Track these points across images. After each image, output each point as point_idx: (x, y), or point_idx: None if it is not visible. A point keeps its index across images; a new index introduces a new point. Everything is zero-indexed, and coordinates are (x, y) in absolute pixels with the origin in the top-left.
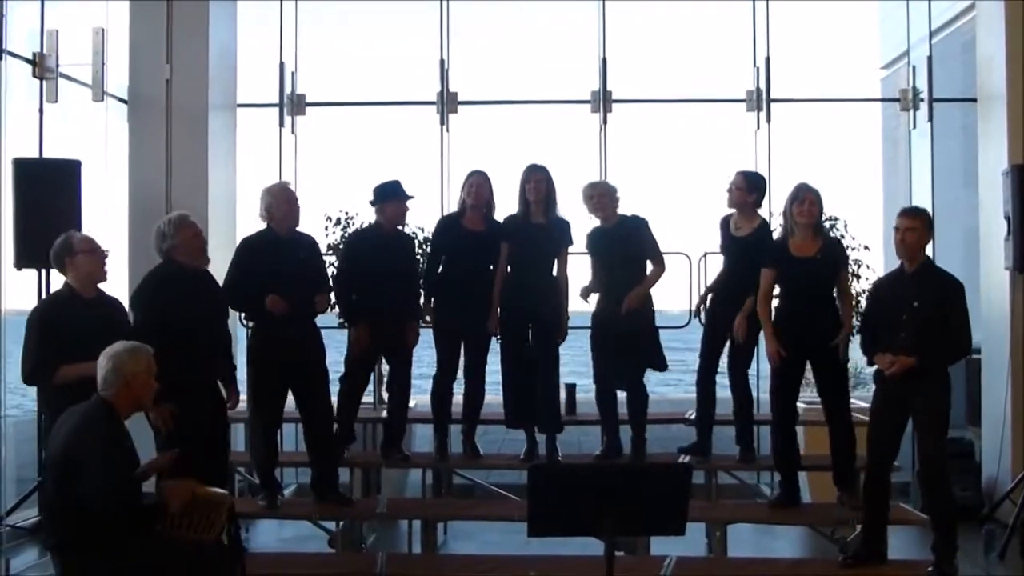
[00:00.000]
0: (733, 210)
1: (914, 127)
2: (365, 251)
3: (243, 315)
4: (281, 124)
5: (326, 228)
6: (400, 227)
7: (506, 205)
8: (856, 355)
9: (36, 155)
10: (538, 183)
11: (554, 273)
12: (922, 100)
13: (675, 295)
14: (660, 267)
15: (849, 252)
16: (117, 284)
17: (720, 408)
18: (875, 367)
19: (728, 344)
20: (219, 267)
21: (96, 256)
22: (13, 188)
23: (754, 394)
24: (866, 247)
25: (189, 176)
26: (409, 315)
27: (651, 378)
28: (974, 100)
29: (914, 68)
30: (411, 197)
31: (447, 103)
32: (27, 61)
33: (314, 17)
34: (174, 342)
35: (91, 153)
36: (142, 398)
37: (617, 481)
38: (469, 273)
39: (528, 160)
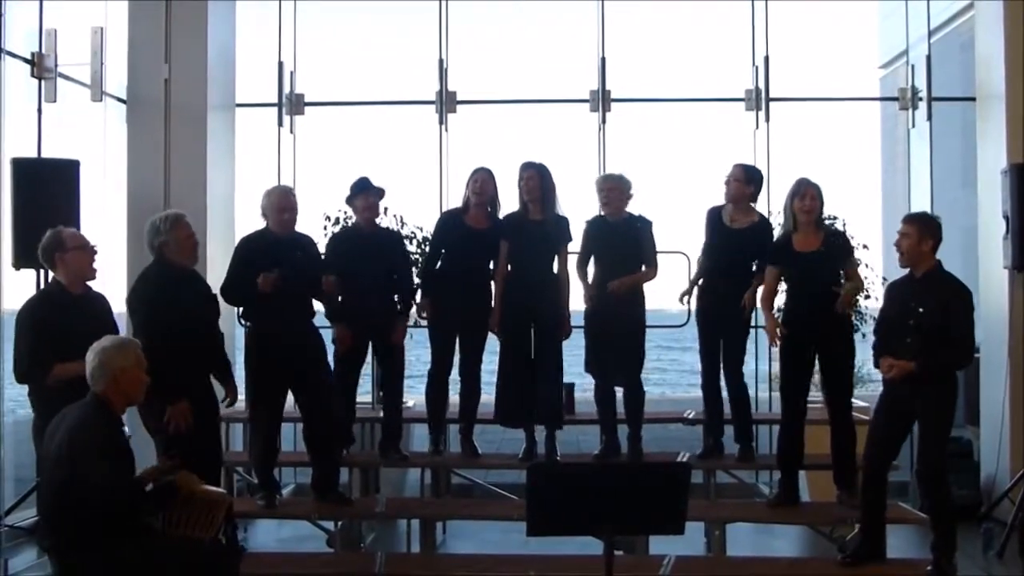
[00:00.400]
0: (726, 203)
1: (913, 126)
2: (346, 251)
3: (240, 314)
4: (280, 124)
5: (325, 227)
6: (378, 222)
7: (505, 203)
8: (862, 355)
9: (35, 155)
10: (529, 180)
11: (555, 270)
12: (921, 99)
13: (673, 294)
14: (653, 271)
15: None
16: (115, 283)
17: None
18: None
19: (722, 343)
20: (218, 266)
21: (87, 253)
22: (11, 188)
23: (754, 393)
24: (864, 246)
25: (188, 176)
26: (394, 313)
27: (651, 378)
28: (973, 99)
29: (913, 67)
30: (380, 190)
31: (446, 102)
32: (26, 61)
33: (313, 17)
34: (172, 341)
35: (90, 153)
36: (132, 392)
37: (616, 480)
38: (468, 271)
39: (526, 159)
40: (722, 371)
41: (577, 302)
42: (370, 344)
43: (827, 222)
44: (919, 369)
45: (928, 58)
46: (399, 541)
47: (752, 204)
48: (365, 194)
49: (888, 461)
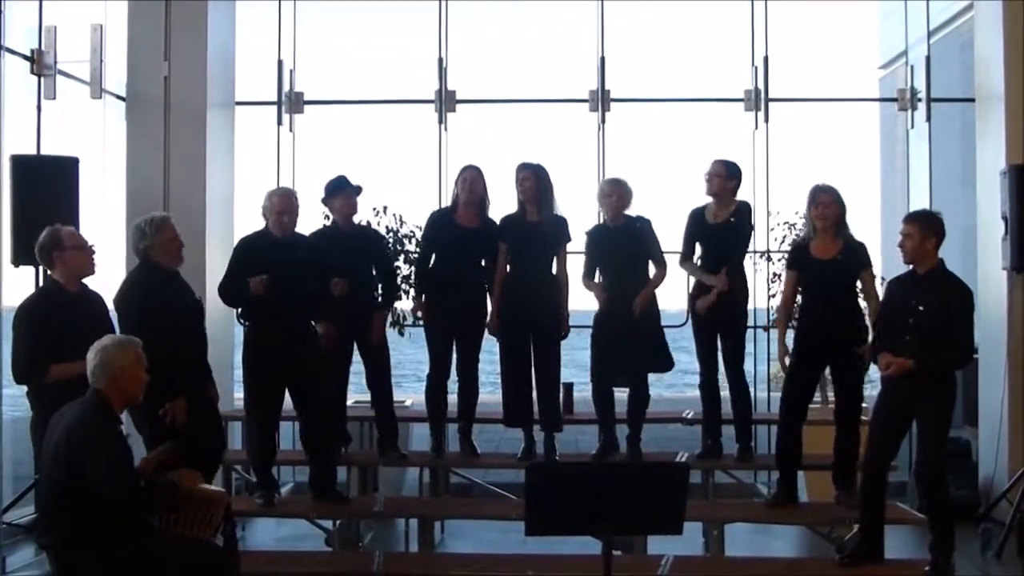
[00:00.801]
0: (709, 201)
1: (912, 127)
2: (324, 249)
3: (239, 313)
4: (279, 122)
5: (324, 226)
6: (356, 221)
7: (504, 204)
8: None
9: (34, 152)
10: (525, 181)
11: (553, 270)
12: (920, 100)
13: (672, 294)
14: (663, 269)
15: None
16: (114, 281)
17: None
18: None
19: (720, 343)
20: (216, 263)
21: (85, 252)
22: (11, 185)
23: (753, 393)
24: None
25: (187, 174)
26: (373, 309)
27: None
28: (972, 100)
29: (912, 68)
30: (358, 189)
31: (445, 101)
32: (25, 58)
33: (313, 15)
34: (162, 343)
35: (89, 150)
36: (131, 391)
37: (615, 480)
38: (461, 270)
39: (526, 159)
40: (723, 370)
41: (576, 303)
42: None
43: None
44: (918, 367)
45: (927, 59)
46: (397, 540)
47: (734, 198)
48: (344, 193)
49: (887, 461)
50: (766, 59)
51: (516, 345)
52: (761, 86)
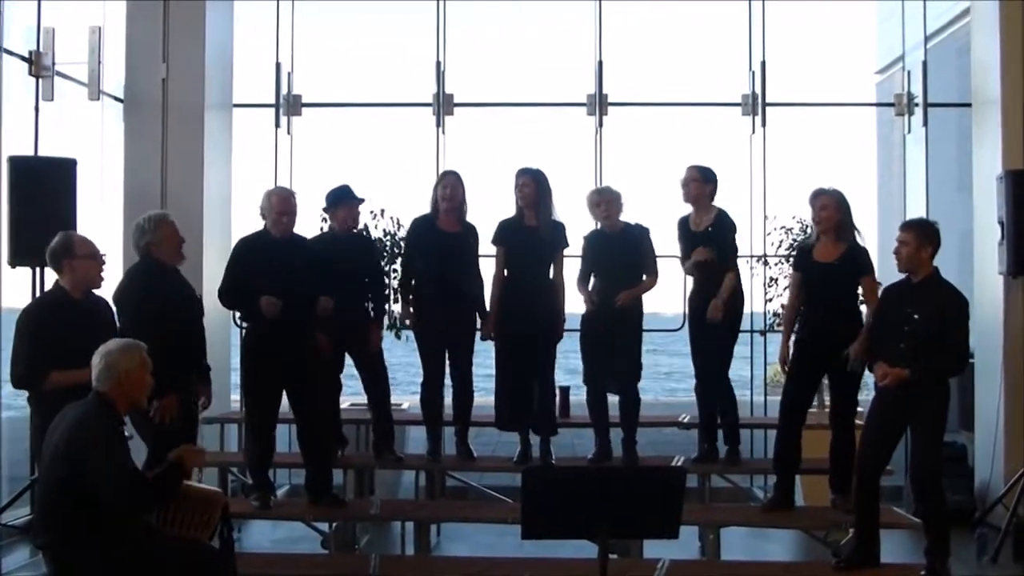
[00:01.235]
0: (690, 205)
1: (909, 132)
2: (323, 254)
3: (238, 315)
4: (277, 125)
5: (321, 229)
6: (355, 230)
7: (502, 208)
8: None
9: (32, 153)
10: (524, 186)
11: (550, 276)
12: (917, 105)
13: (668, 299)
14: (654, 278)
15: None
16: (112, 282)
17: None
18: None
19: (706, 346)
20: (213, 265)
21: (96, 261)
22: (8, 186)
23: (749, 397)
24: None
25: (185, 176)
26: (368, 319)
27: (649, 382)
28: (969, 105)
29: (909, 73)
30: (361, 200)
31: (443, 105)
32: (23, 59)
33: (311, 18)
34: (158, 338)
35: (87, 152)
36: (135, 394)
37: (611, 484)
38: (446, 275)
39: (523, 163)
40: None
41: (573, 306)
42: (347, 347)
43: None
44: (913, 376)
45: (924, 64)
46: (393, 543)
47: (711, 203)
48: (348, 204)
49: (882, 465)
50: (763, 63)
51: (513, 349)
52: (758, 90)
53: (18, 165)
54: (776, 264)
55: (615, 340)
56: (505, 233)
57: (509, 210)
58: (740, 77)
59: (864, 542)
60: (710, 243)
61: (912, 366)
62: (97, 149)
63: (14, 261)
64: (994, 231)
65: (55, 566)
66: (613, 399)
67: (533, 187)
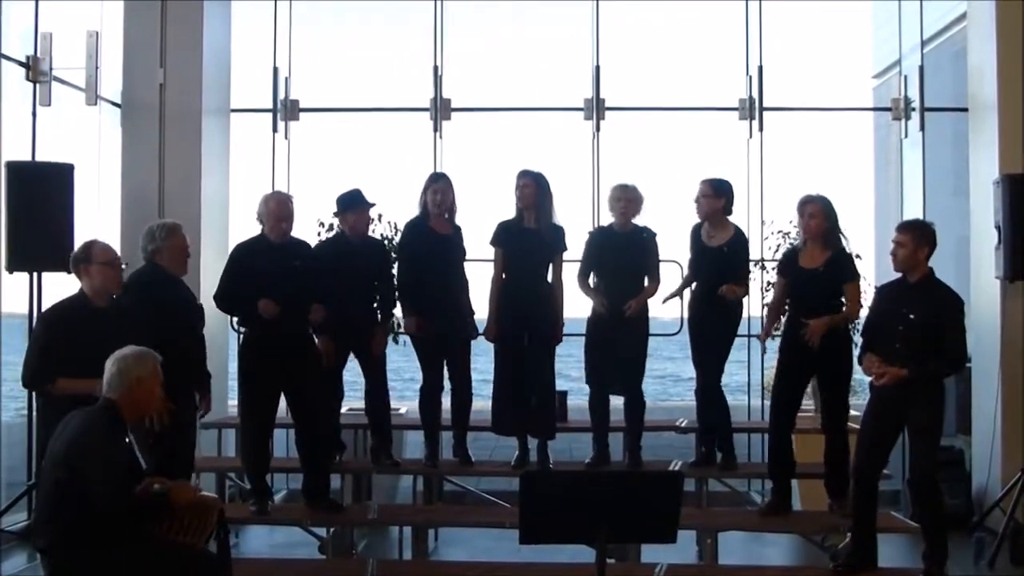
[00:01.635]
0: (701, 221)
1: (906, 136)
2: (330, 261)
3: (236, 320)
4: (275, 129)
5: (319, 234)
6: (364, 234)
7: (500, 213)
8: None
9: (29, 159)
10: (524, 188)
11: (549, 278)
12: (914, 109)
13: (668, 302)
14: (656, 282)
15: None
16: None
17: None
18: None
19: (704, 351)
20: (211, 271)
21: (113, 269)
22: (5, 191)
23: (747, 402)
24: (857, 255)
25: (182, 181)
26: (374, 322)
27: (649, 387)
28: (965, 110)
29: (906, 77)
30: (372, 205)
31: (441, 109)
32: (21, 64)
33: (308, 22)
34: (160, 343)
35: (84, 157)
36: (144, 403)
37: (609, 488)
38: (441, 277)
39: (520, 167)
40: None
41: (571, 310)
42: (351, 351)
43: None
44: (910, 376)
45: (921, 68)
46: (391, 548)
47: (727, 217)
48: (359, 209)
49: (878, 468)
50: (760, 68)
51: (511, 351)
52: (755, 95)
53: (16, 170)
54: (773, 269)
55: (622, 342)
56: (504, 235)
57: (506, 215)
58: (737, 82)
59: (861, 546)
60: (724, 261)
61: (908, 365)
62: (95, 154)
63: (12, 267)
64: (991, 235)
65: (53, 569)
66: (614, 402)
67: (533, 189)
